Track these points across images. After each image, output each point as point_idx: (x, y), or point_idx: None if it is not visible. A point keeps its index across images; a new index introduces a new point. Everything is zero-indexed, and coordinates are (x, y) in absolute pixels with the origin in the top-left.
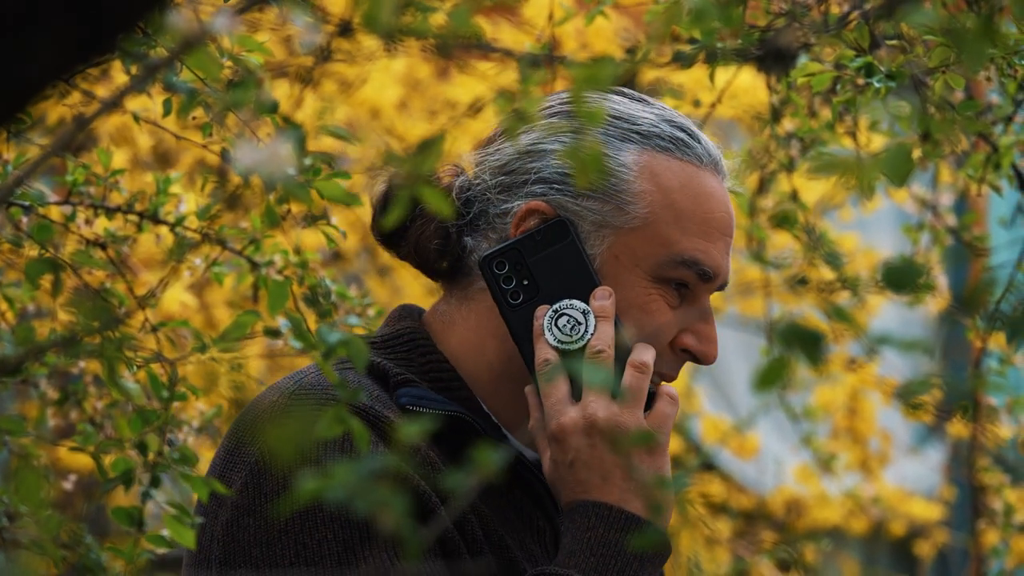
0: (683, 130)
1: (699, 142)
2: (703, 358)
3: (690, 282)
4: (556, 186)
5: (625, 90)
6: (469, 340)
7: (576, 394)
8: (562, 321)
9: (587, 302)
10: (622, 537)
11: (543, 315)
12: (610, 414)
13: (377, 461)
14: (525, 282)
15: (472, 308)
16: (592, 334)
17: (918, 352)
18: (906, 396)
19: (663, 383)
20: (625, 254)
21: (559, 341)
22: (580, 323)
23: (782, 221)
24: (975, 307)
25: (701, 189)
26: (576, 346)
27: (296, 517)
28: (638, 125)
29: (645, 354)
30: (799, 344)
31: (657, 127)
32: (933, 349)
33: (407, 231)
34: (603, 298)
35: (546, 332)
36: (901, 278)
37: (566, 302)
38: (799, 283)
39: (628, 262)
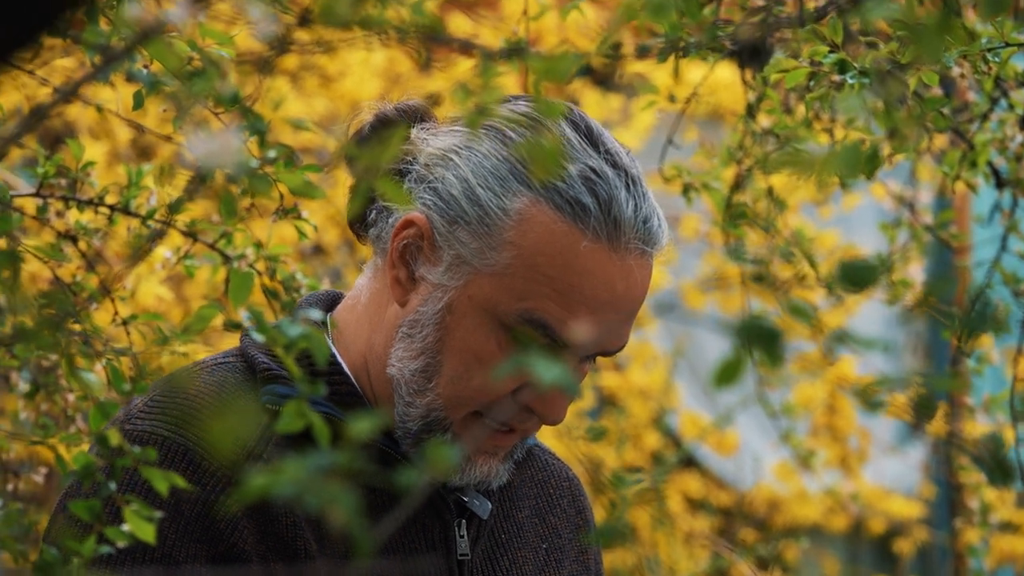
0: (596, 196)
1: (607, 214)
2: (543, 421)
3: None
4: (441, 203)
5: (594, 126)
6: (363, 327)
7: None
8: None
9: None
10: None
11: None
12: None
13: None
14: None
15: (370, 287)
16: None
17: (876, 350)
18: (863, 395)
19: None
20: (480, 295)
21: None
22: None
23: (737, 217)
24: (934, 302)
25: (577, 264)
26: None
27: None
28: None
29: None
30: (757, 341)
31: (563, 182)
32: (893, 348)
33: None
34: None
35: None
36: (857, 277)
37: None
38: (756, 280)
39: (480, 304)
